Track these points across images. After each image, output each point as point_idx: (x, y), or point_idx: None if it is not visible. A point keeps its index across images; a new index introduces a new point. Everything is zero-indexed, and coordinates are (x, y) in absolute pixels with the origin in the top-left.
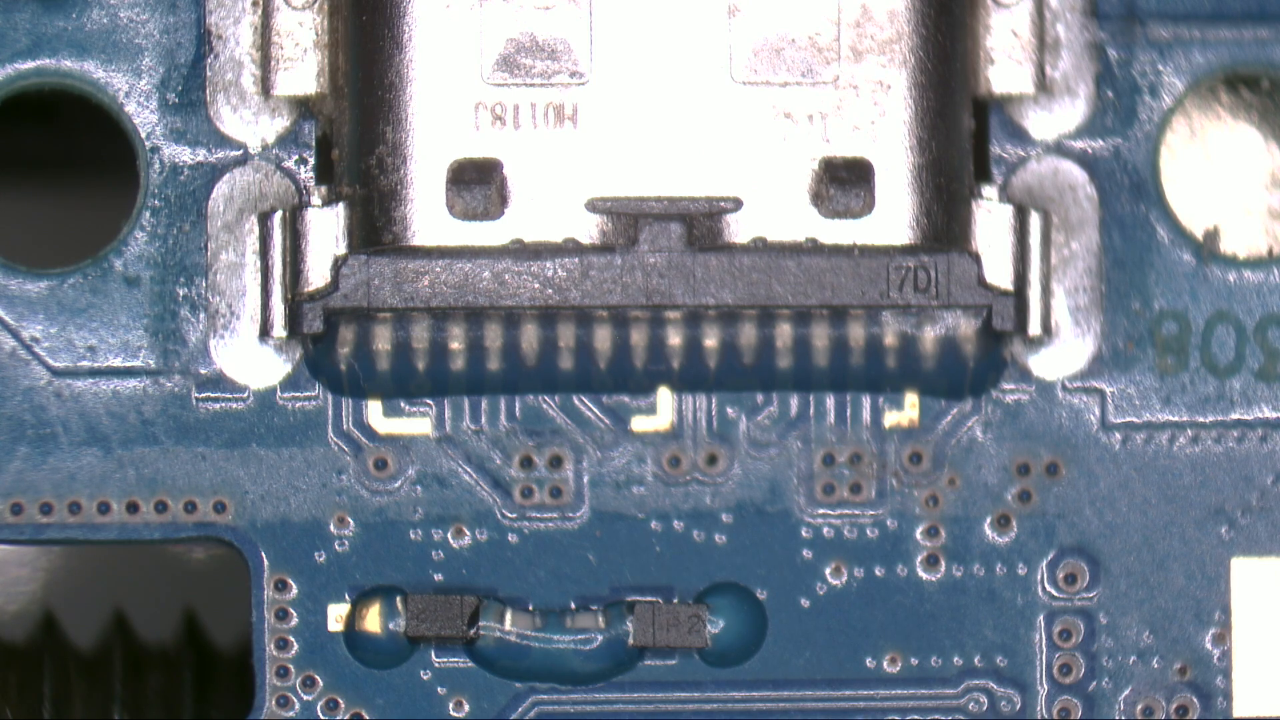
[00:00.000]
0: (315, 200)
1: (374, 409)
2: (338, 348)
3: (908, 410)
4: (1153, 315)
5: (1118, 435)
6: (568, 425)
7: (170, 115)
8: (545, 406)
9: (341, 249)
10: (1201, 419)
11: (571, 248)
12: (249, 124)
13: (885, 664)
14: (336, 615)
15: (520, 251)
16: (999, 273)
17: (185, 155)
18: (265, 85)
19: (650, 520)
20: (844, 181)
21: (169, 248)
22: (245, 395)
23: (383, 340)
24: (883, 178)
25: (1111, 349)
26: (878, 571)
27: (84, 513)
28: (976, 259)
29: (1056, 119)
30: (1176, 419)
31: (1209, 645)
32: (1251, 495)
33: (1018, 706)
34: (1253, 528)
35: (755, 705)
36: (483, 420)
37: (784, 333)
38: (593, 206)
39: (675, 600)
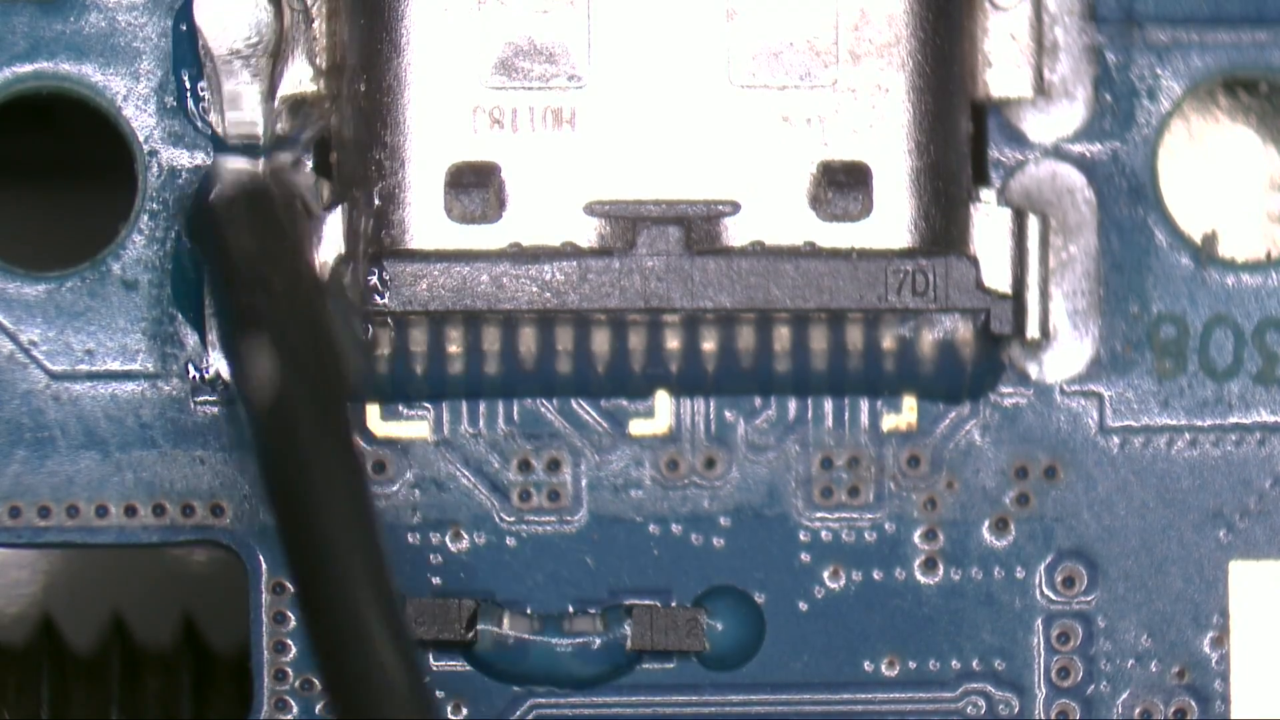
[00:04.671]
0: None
1: (372, 412)
2: None
3: (906, 414)
4: (1151, 319)
5: (1116, 439)
6: (566, 429)
7: (168, 118)
8: (543, 410)
9: (339, 252)
10: (1200, 422)
11: (569, 251)
12: (247, 127)
13: (883, 667)
14: None
15: (518, 255)
16: (997, 276)
17: (183, 158)
18: (263, 88)
19: (648, 524)
20: (842, 185)
21: (167, 251)
22: None
23: (380, 343)
24: (881, 181)
25: (1110, 352)
26: (876, 575)
27: (82, 516)
28: (974, 262)
29: (1055, 122)
30: (1175, 422)
31: (1207, 649)
32: (1250, 499)
33: (1016, 710)
34: (1251, 531)
35: (753, 709)
36: (481, 424)
37: (782, 336)
38: (591, 210)
39: (673, 604)
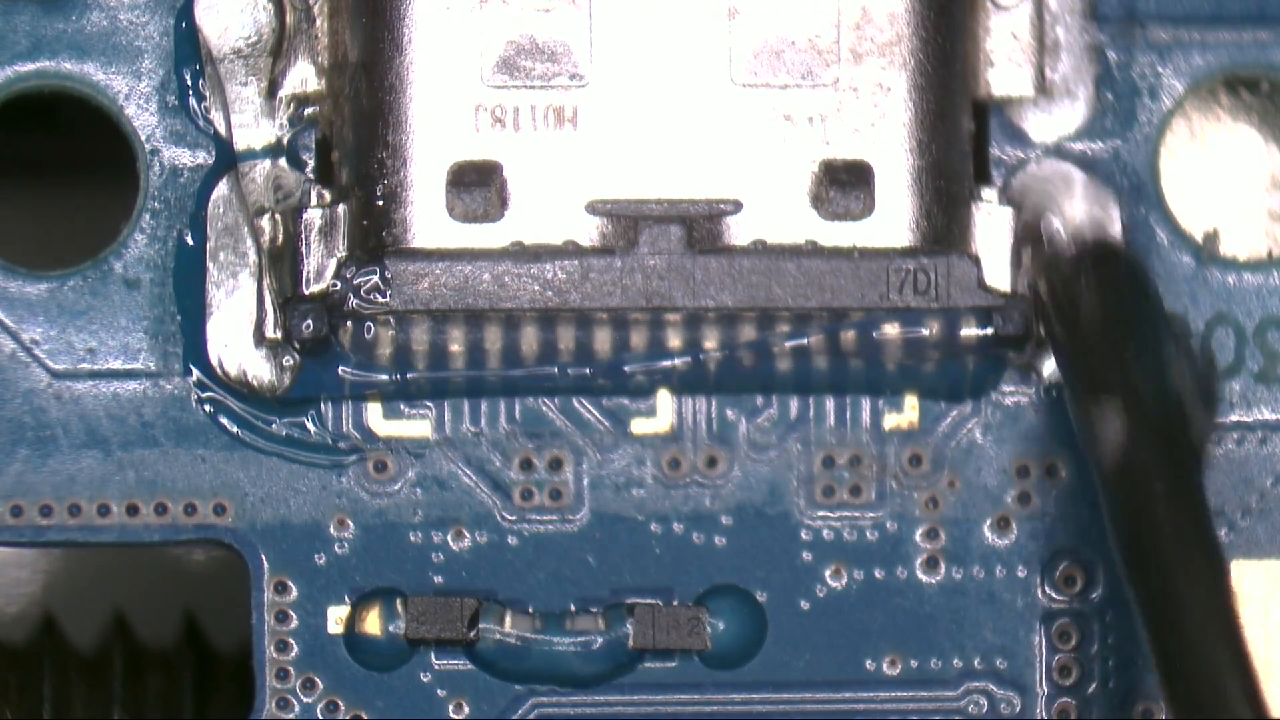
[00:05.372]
0: (315, 202)
1: (374, 411)
2: (337, 350)
3: (907, 412)
4: None
5: None
6: (567, 427)
7: (170, 117)
8: (545, 409)
9: (341, 251)
10: None
11: (571, 250)
12: (249, 126)
13: (885, 666)
14: (336, 617)
15: (520, 254)
16: (999, 275)
17: (185, 157)
18: (265, 87)
19: (650, 522)
20: (844, 184)
21: (168, 250)
22: (245, 397)
23: (383, 342)
24: (882, 180)
25: None
26: (877, 574)
27: (84, 515)
28: (976, 261)
29: (1056, 121)
30: None
31: None
32: (1251, 497)
33: (1017, 709)
34: (1252, 530)
35: (755, 707)
36: (482, 422)
37: (784, 335)
38: (592, 209)
39: (675, 602)
